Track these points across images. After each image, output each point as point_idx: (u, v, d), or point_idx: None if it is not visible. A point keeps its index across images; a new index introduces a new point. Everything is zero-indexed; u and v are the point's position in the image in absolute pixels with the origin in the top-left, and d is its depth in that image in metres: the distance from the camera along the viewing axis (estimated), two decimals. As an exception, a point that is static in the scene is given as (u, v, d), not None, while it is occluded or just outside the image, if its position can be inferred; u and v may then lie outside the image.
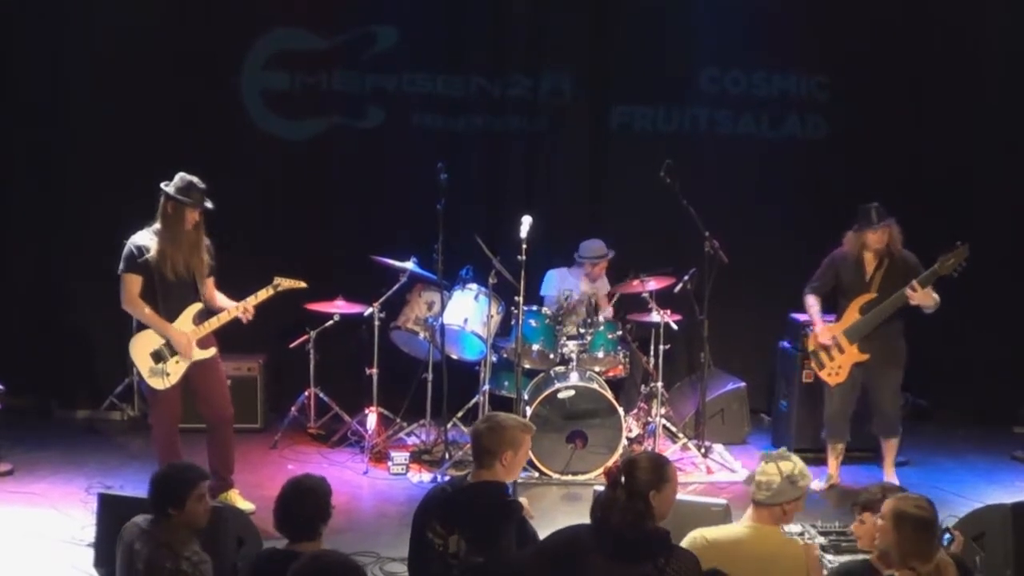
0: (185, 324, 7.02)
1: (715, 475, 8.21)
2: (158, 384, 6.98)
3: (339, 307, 8.53)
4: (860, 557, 4.94)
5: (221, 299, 7.23)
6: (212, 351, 7.17)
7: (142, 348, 6.99)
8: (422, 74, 9.51)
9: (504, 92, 9.59)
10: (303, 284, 7.45)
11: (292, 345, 8.70)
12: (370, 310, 8.42)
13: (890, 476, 7.89)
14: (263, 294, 7.19)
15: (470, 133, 9.61)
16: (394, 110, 9.51)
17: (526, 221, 7.80)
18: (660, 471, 4.37)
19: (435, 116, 9.55)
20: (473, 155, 9.58)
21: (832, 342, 7.72)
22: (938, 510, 4.50)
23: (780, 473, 4.81)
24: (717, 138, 9.74)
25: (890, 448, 7.92)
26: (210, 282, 7.19)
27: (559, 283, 8.89)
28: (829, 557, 6.31)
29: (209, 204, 6.98)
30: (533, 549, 4.60)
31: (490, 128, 9.63)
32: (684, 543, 4.73)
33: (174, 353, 6.97)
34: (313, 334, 8.64)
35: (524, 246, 7.69)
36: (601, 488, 4.49)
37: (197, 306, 7.07)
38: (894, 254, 7.60)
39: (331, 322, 8.59)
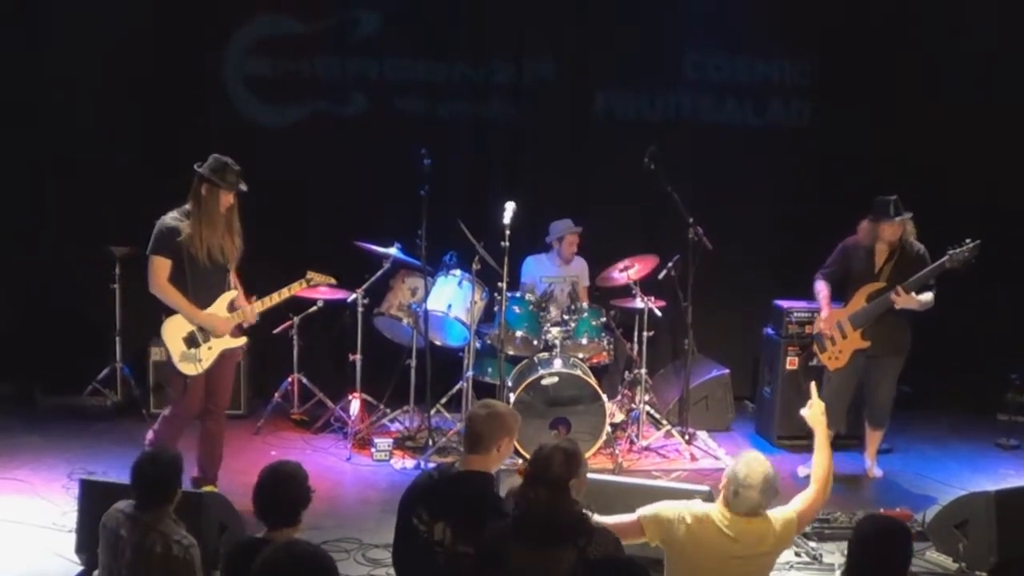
0: (219, 311, 6.76)
1: (699, 462, 8.21)
2: (190, 370, 6.69)
3: (322, 293, 8.46)
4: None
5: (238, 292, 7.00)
6: (244, 340, 6.98)
7: (174, 332, 6.65)
8: (405, 60, 9.48)
9: (487, 78, 9.56)
10: (333, 280, 7.36)
11: (276, 331, 8.63)
12: (353, 296, 8.40)
13: (871, 464, 7.92)
14: (296, 287, 7.02)
15: (453, 119, 9.56)
16: (377, 96, 9.47)
17: (509, 207, 7.80)
18: (574, 459, 4.33)
19: (418, 102, 9.50)
20: (456, 141, 9.54)
21: (836, 329, 7.71)
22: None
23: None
24: (701, 124, 9.73)
25: (875, 438, 7.94)
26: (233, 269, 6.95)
27: (535, 269, 8.89)
28: (813, 544, 6.35)
29: (243, 187, 6.71)
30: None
31: (473, 114, 9.61)
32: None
33: (207, 338, 6.71)
34: (297, 320, 8.61)
35: (507, 232, 7.71)
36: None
37: (232, 294, 6.82)
38: (905, 245, 7.57)
39: (314, 308, 8.58)
